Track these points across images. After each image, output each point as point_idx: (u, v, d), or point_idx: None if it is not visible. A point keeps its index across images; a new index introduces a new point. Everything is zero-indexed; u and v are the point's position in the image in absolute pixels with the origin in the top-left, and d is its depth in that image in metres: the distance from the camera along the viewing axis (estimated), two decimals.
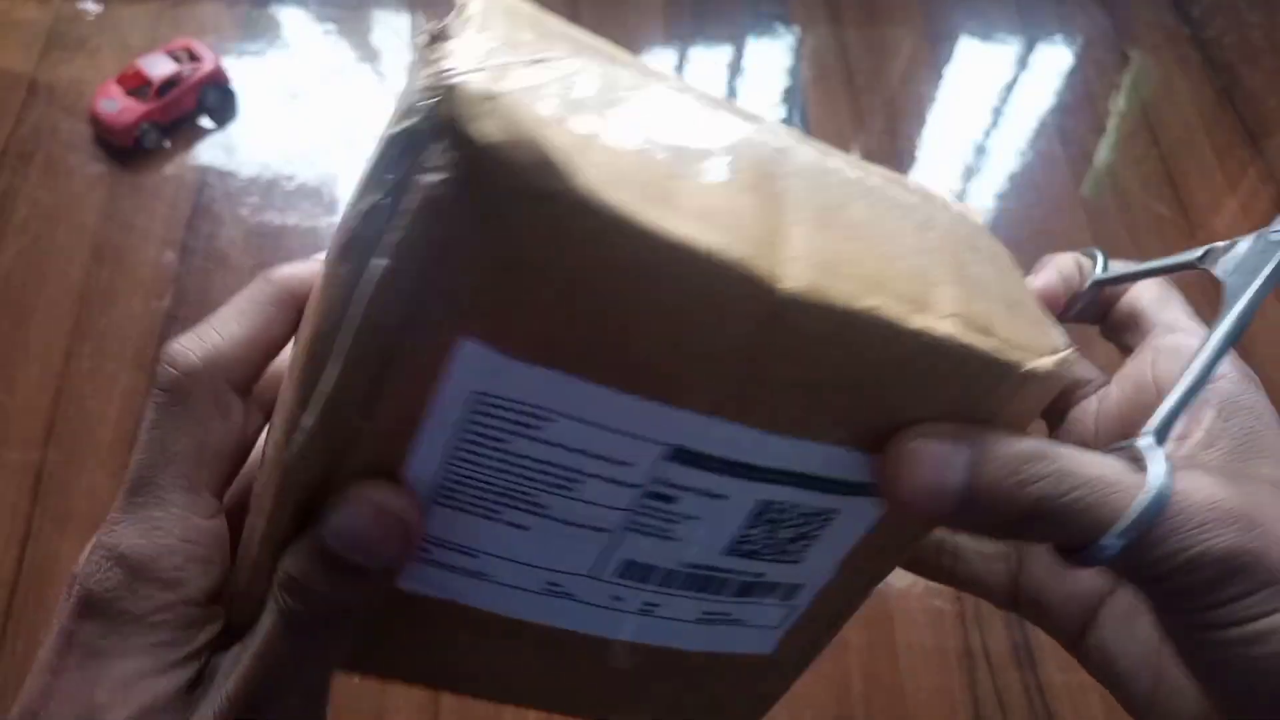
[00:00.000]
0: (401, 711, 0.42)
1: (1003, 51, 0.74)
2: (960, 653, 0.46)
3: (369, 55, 0.67)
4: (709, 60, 0.70)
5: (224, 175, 0.60)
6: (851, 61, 0.70)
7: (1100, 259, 0.30)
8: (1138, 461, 0.23)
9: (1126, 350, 0.29)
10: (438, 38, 0.19)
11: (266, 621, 0.24)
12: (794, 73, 0.70)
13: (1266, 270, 0.26)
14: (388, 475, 0.25)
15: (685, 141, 0.21)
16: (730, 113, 0.23)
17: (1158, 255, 0.31)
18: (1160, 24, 0.75)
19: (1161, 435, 0.25)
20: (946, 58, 0.72)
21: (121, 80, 0.61)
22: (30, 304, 0.54)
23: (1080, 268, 0.30)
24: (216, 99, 0.63)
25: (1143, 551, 0.23)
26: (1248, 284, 0.26)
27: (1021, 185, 0.66)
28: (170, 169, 0.60)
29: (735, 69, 0.70)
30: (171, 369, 0.25)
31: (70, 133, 0.61)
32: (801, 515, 0.25)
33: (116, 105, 0.59)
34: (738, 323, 0.21)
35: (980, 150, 0.67)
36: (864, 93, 0.69)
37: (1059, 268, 0.30)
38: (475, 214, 0.19)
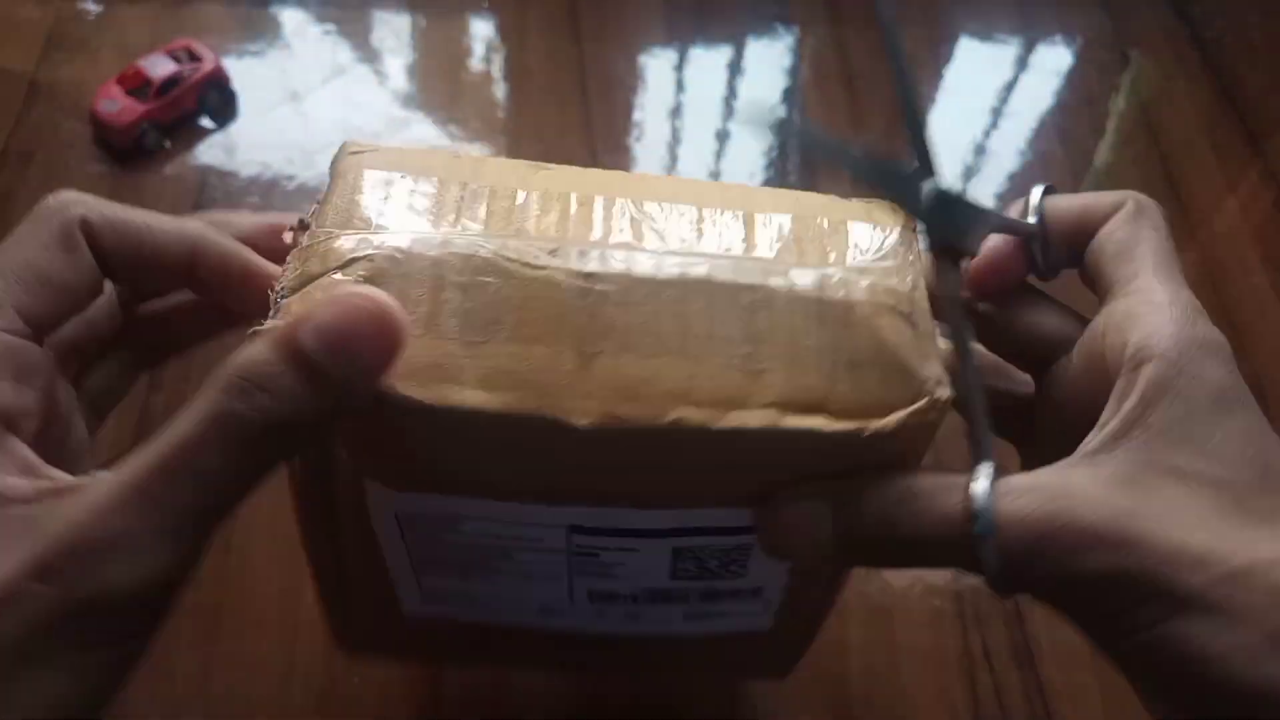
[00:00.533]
0: (400, 713, 0.42)
1: (1003, 51, 0.74)
2: (960, 653, 0.46)
3: (369, 55, 0.67)
4: (709, 60, 0.70)
5: (224, 175, 0.60)
6: (851, 61, 0.70)
7: (1031, 202, 0.28)
8: (971, 505, 0.23)
9: (1101, 298, 0.27)
10: (304, 225, 0.25)
11: (187, 420, 0.20)
12: (794, 73, 0.70)
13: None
14: (377, 568, 0.29)
15: (481, 310, 0.23)
16: (552, 253, 0.24)
17: None
18: (1160, 24, 0.75)
19: (988, 453, 0.24)
20: (946, 58, 0.72)
21: (121, 80, 0.60)
22: None
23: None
24: (216, 99, 0.63)
25: (1021, 576, 0.23)
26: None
27: (1021, 185, 0.66)
28: (170, 169, 0.60)
29: (735, 69, 0.70)
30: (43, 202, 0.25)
31: (70, 133, 0.61)
32: (723, 552, 0.28)
33: (116, 105, 0.59)
34: (561, 453, 0.23)
35: (980, 150, 0.68)
36: (864, 93, 0.69)
37: (999, 240, 0.29)
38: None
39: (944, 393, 0.24)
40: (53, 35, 0.65)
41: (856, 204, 0.28)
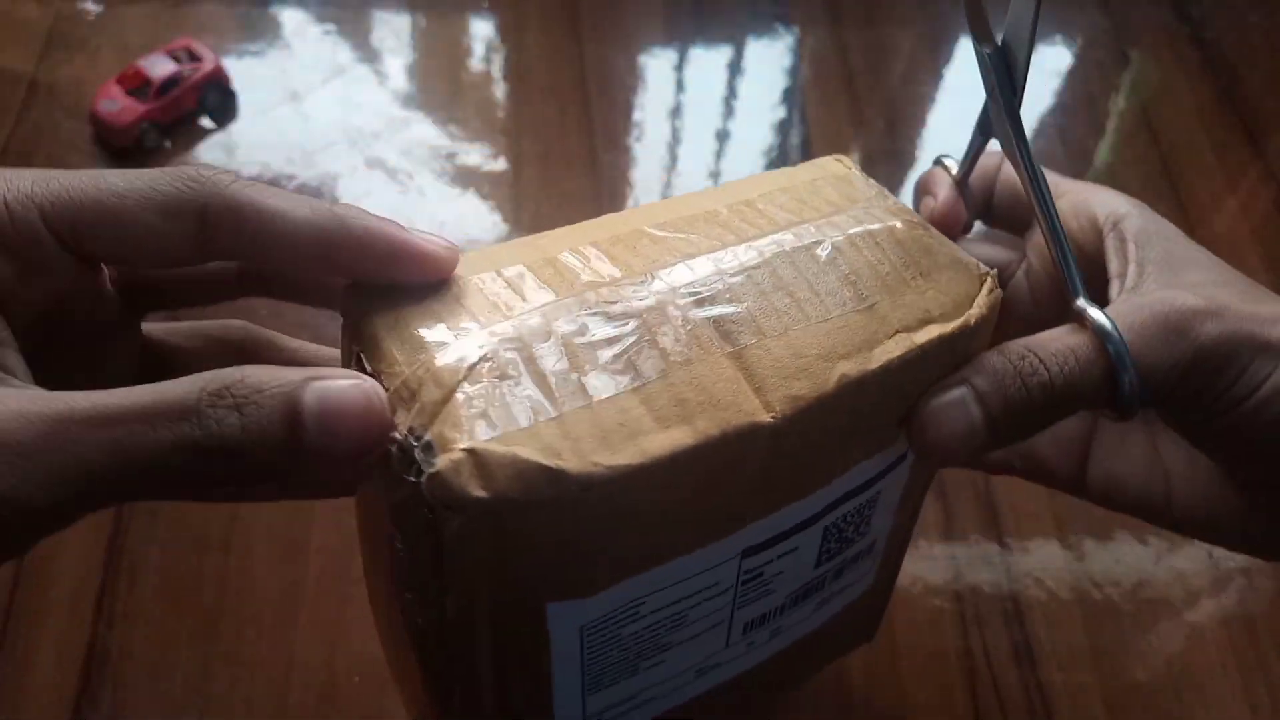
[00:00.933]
0: (401, 711, 0.42)
1: None
2: (960, 653, 0.46)
3: (369, 55, 0.67)
4: (709, 60, 0.70)
5: None
6: (851, 61, 0.70)
7: (953, 163, 0.34)
8: (1085, 321, 0.27)
9: (1018, 230, 0.33)
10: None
11: (154, 394, 0.20)
12: (794, 73, 0.70)
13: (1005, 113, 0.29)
14: (542, 711, 0.28)
15: (621, 359, 0.23)
16: (643, 284, 0.25)
17: None
18: (1160, 24, 0.76)
19: (1083, 288, 0.28)
20: (946, 58, 0.72)
21: (121, 80, 0.61)
22: None
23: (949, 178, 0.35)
24: (216, 99, 0.63)
25: (1150, 375, 0.26)
26: (1004, 132, 0.30)
27: None
28: None
29: (735, 69, 0.70)
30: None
31: (70, 133, 0.61)
32: (857, 511, 0.30)
33: (116, 105, 0.59)
34: (747, 464, 0.24)
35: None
36: (864, 93, 0.69)
37: (947, 187, 0.33)
38: (512, 540, 0.22)
39: (993, 270, 0.27)
40: (53, 35, 0.65)
41: (807, 166, 0.30)
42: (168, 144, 0.61)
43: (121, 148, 0.60)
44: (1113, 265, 0.30)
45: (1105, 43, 0.74)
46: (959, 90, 0.70)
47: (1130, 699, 0.45)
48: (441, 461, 0.20)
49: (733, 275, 0.25)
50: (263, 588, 0.45)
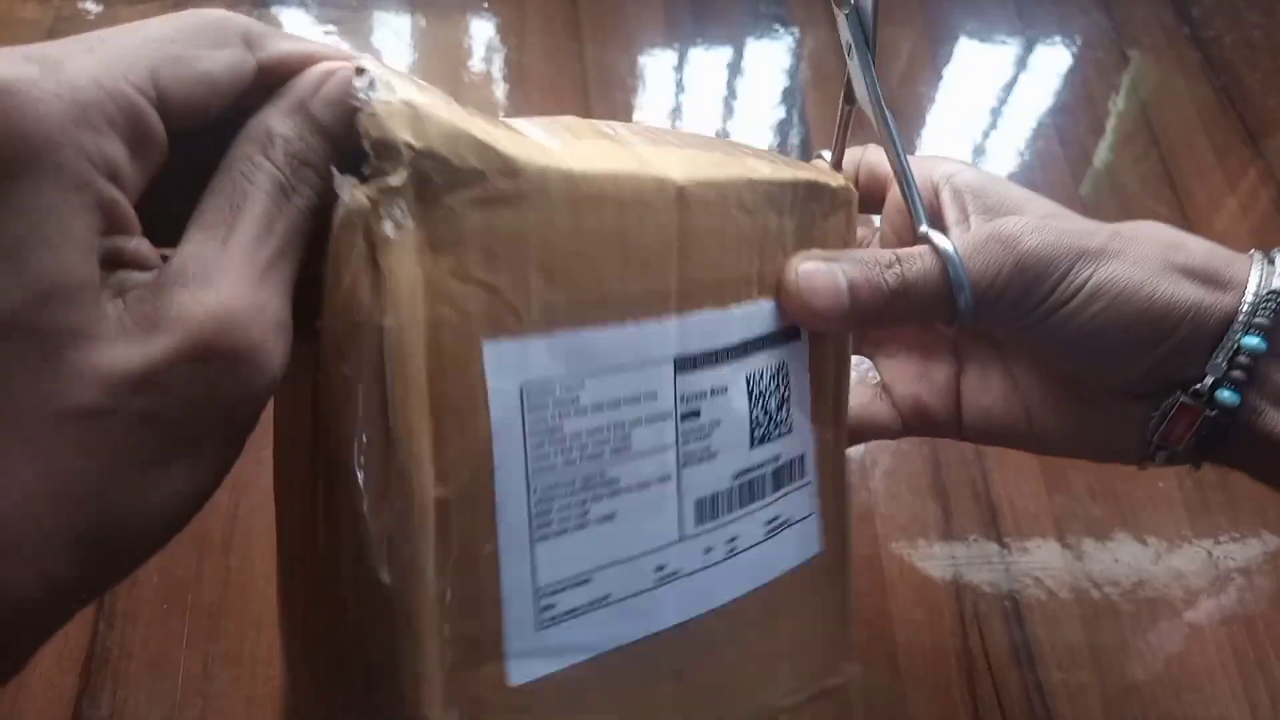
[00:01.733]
0: None
1: (1003, 52, 0.74)
2: (960, 653, 0.46)
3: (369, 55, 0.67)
4: (709, 60, 0.70)
5: None
6: None
7: (828, 154, 0.37)
8: (931, 242, 0.31)
9: (875, 208, 0.37)
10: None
11: (256, 196, 0.21)
12: (794, 73, 0.70)
13: (869, 81, 0.33)
14: (484, 540, 0.26)
15: (531, 128, 0.26)
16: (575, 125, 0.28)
17: None
18: (1160, 24, 0.76)
19: (926, 218, 0.32)
20: (946, 58, 0.73)
21: None
22: None
23: None
24: None
25: (980, 284, 0.30)
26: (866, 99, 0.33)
27: (1021, 185, 0.66)
28: None
29: (735, 69, 0.70)
30: None
31: None
32: (771, 378, 0.32)
33: None
34: (663, 219, 0.27)
35: (980, 150, 0.68)
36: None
37: None
38: (442, 230, 0.23)
39: (848, 180, 0.33)
40: (53, 35, 0.65)
41: None
42: None
43: None
44: (950, 215, 0.34)
45: (1105, 43, 0.74)
46: (959, 90, 0.70)
47: (1130, 699, 0.45)
48: (381, 104, 0.22)
49: (640, 126, 0.30)
50: (263, 588, 0.45)
